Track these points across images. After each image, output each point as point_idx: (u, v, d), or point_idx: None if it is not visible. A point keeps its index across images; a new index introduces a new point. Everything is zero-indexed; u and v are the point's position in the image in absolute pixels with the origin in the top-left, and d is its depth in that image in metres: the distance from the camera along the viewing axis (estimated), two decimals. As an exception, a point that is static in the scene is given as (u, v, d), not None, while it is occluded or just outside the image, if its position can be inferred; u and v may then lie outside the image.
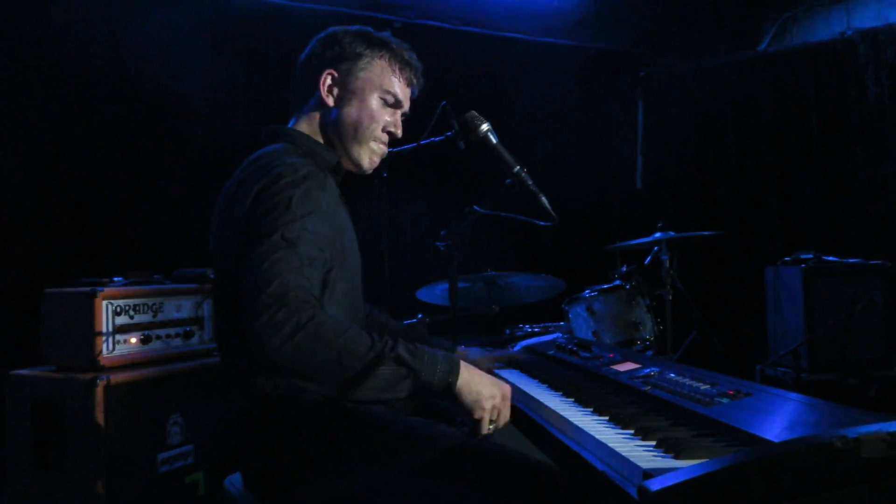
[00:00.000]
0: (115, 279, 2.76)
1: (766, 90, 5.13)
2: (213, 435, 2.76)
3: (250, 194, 1.49)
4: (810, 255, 4.02)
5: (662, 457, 1.12)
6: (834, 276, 3.88)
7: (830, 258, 4.00)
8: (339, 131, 1.74)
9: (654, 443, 1.19)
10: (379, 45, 1.75)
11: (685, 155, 5.41)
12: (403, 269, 2.92)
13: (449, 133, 2.35)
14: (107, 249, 3.49)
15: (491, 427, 1.49)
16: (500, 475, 1.50)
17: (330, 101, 1.73)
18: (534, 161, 1.97)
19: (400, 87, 1.78)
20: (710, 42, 5.53)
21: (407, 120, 1.85)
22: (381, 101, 1.76)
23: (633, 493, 1.01)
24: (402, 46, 1.79)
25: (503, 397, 1.49)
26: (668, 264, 3.79)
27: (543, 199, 1.94)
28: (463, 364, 1.46)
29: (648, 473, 1.01)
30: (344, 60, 1.72)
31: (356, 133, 1.74)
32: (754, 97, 5.17)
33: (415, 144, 2.46)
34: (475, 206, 2.28)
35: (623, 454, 1.12)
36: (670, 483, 0.92)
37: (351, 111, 1.73)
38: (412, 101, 1.84)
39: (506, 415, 1.51)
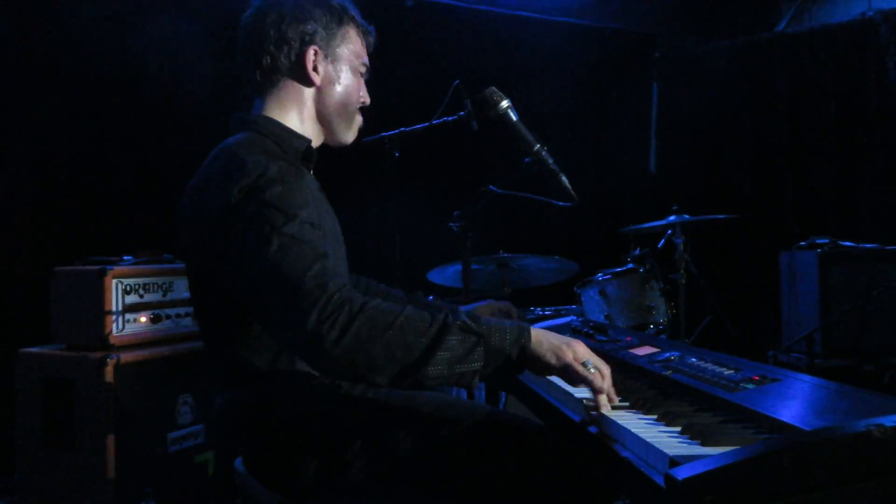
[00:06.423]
0: (125, 258, 2.75)
1: (784, 72, 5.05)
2: (211, 424, 2.74)
3: (225, 196, 1.40)
4: (826, 240, 3.97)
5: (688, 443, 1.09)
6: (850, 262, 3.83)
7: (846, 243, 3.94)
8: (325, 112, 1.65)
9: (678, 429, 1.15)
10: (342, 13, 1.65)
11: (700, 138, 5.34)
12: (415, 250, 2.89)
13: (462, 113, 2.30)
14: (117, 228, 3.48)
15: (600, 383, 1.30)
16: (517, 461, 1.47)
17: (315, 81, 1.62)
18: (546, 142, 1.92)
19: (366, 56, 1.71)
20: (727, 23, 5.44)
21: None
22: (358, 73, 1.69)
23: (660, 480, 0.97)
24: (356, 10, 1.69)
25: (581, 346, 1.34)
26: (681, 248, 3.73)
27: (564, 178, 1.88)
28: (532, 327, 1.34)
29: (675, 461, 0.98)
30: (321, 35, 1.61)
31: (345, 112, 1.67)
32: (771, 79, 5.10)
33: (427, 124, 2.42)
34: (491, 186, 2.23)
35: (648, 440, 1.08)
36: (699, 471, 0.89)
37: (337, 90, 1.64)
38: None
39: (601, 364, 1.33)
